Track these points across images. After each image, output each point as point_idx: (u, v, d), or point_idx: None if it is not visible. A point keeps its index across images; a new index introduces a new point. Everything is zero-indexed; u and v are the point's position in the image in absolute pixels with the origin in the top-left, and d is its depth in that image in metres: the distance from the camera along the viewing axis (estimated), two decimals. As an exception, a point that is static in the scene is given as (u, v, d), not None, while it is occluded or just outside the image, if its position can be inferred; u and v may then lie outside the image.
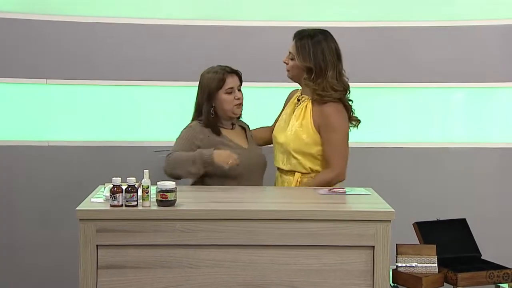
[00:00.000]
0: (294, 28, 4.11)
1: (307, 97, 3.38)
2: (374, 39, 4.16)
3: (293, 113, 3.41)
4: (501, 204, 4.22)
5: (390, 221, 2.73)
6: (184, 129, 3.44)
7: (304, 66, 3.33)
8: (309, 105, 3.35)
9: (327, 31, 3.42)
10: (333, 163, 3.27)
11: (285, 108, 3.53)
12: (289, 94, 3.60)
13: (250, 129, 3.61)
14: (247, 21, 4.14)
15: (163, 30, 4.10)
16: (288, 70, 3.42)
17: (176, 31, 4.11)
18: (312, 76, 3.31)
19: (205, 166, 3.24)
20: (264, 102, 4.12)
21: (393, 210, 2.77)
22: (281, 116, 3.52)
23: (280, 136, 3.40)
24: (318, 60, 3.31)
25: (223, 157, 3.23)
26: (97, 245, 2.70)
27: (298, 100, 3.44)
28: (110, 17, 4.08)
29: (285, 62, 3.42)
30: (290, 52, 3.39)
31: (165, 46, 4.11)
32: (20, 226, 4.09)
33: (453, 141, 4.21)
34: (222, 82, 3.39)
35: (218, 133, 3.40)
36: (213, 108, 3.41)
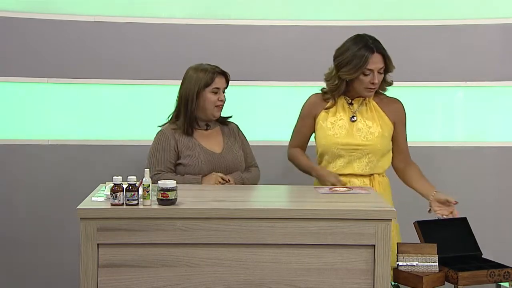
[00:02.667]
0: (294, 28, 4.13)
1: (361, 98, 3.35)
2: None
3: (352, 118, 3.33)
4: (500, 203, 4.23)
5: (390, 220, 2.73)
6: (156, 135, 3.44)
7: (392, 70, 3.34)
8: (374, 104, 3.36)
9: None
10: (409, 155, 3.43)
11: (329, 113, 3.37)
12: (311, 100, 3.45)
13: (239, 129, 3.56)
14: (249, 20, 4.14)
15: (163, 29, 4.11)
16: (374, 88, 3.30)
17: (177, 30, 4.11)
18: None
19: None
20: (265, 101, 4.13)
21: (394, 209, 2.77)
22: (328, 122, 3.35)
23: (356, 141, 3.30)
24: None
25: (212, 181, 3.30)
26: (98, 244, 2.69)
27: (351, 104, 3.36)
28: (110, 16, 4.09)
29: (375, 83, 3.26)
30: (379, 70, 3.25)
31: (166, 45, 4.11)
32: (20, 225, 4.10)
33: (453, 140, 4.22)
34: (211, 80, 3.38)
35: (190, 134, 3.40)
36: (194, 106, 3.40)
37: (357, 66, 3.22)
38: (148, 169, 2.80)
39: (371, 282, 2.72)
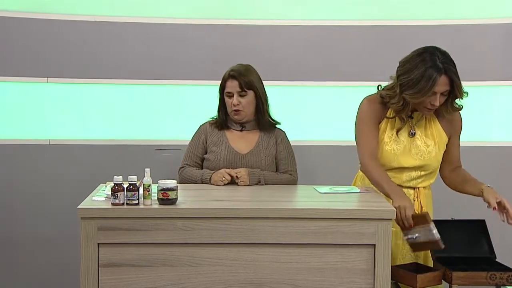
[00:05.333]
0: (295, 28, 4.12)
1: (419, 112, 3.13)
2: (374, 37, 4.17)
3: (411, 133, 3.15)
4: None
5: (391, 219, 2.74)
6: (197, 129, 3.52)
7: (463, 96, 3.06)
8: (433, 117, 3.16)
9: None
10: (460, 164, 3.25)
11: (388, 123, 3.16)
12: (371, 106, 3.17)
13: (285, 136, 3.51)
14: (251, 20, 4.14)
15: (165, 28, 4.11)
16: (432, 109, 3.06)
17: (178, 30, 4.11)
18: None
19: (205, 183, 3.32)
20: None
21: (394, 208, 2.78)
22: (386, 136, 3.15)
23: (412, 161, 3.13)
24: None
25: (217, 176, 3.29)
26: (98, 244, 2.70)
27: (411, 117, 3.15)
28: (111, 15, 4.09)
29: (434, 105, 3.01)
30: (442, 92, 2.99)
31: (167, 45, 4.11)
32: (21, 225, 4.10)
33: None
34: (224, 84, 3.41)
35: (223, 129, 3.44)
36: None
37: (423, 91, 2.96)
38: (149, 169, 2.80)
39: (371, 282, 2.73)
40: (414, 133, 3.15)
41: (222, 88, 3.42)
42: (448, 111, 3.10)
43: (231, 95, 3.39)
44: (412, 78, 2.98)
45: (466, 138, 4.19)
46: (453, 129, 3.20)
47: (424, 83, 2.95)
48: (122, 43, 4.09)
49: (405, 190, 3.15)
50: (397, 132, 3.15)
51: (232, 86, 3.39)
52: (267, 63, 4.10)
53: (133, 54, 4.09)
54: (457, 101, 3.10)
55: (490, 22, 4.17)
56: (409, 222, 2.90)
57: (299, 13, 4.16)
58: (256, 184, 3.31)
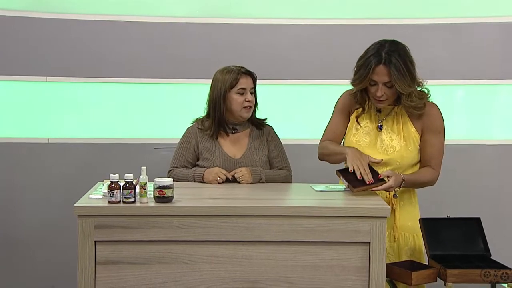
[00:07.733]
0: (298, 26, 4.12)
1: (390, 106, 3.13)
2: (375, 37, 4.14)
3: (379, 127, 3.15)
4: (501, 202, 4.22)
5: (385, 217, 2.74)
6: (184, 132, 3.46)
7: (407, 92, 3.00)
8: (403, 113, 3.14)
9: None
10: (435, 165, 3.16)
11: (356, 116, 3.20)
12: (346, 96, 3.24)
13: (274, 132, 3.51)
14: (253, 18, 4.15)
15: (163, 27, 4.12)
16: (383, 100, 3.06)
17: (179, 29, 4.13)
18: (414, 94, 3.03)
19: (197, 181, 3.31)
20: (266, 100, 4.14)
21: (389, 206, 2.78)
22: (354, 128, 3.20)
23: (377, 154, 3.11)
24: (414, 75, 3.01)
25: (212, 176, 3.28)
26: (95, 241, 2.71)
27: (379, 111, 3.17)
28: (110, 14, 4.11)
29: (381, 98, 3.03)
30: (384, 83, 3.00)
31: (167, 44, 4.13)
32: (20, 223, 4.12)
33: (453, 138, 4.20)
34: (235, 81, 3.36)
35: (215, 137, 3.40)
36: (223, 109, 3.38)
37: (361, 78, 3.02)
38: (145, 167, 2.81)
39: (366, 279, 2.73)
40: (382, 127, 3.17)
41: (231, 86, 3.37)
42: (404, 105, 3.09)
43: (243, 92, 3.38)
44: (358, 64, 3.06)
45: (467, 136, 4.22)
46: (425, 125, 3.14)
47: (362, 70, 3.02)
48: (121, 42, 4.11)
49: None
50: (356, 119, 3.19)
51: (248, 82, 3.39)
52: (268, 62, 4.11)
53: (132, 53, 4.11)
54: (433, 98, 3.13)
55: (490, 21, 4.17)
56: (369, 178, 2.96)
57: (301, 12, 4.17)
58: (258, 182, 3.32)
